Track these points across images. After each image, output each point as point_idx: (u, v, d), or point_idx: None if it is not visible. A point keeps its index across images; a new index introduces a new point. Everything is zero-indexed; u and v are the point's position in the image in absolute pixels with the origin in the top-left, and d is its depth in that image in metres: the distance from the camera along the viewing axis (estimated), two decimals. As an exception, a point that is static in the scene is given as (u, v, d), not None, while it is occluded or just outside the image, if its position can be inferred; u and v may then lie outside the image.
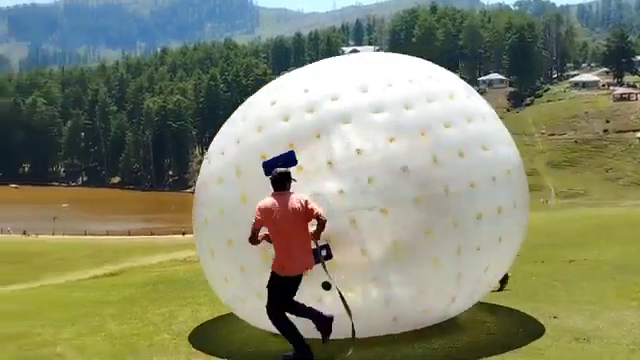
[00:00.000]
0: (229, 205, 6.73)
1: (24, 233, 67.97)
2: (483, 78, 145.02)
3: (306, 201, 5.92)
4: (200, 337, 7.52)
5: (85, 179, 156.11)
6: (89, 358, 6.75)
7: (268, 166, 6.19)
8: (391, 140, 6.38)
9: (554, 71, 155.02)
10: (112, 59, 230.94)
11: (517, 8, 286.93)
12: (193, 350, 6.87)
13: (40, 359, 6.76)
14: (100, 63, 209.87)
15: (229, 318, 7.92)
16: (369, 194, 6.24)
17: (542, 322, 7.31)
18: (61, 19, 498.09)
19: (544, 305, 8.28)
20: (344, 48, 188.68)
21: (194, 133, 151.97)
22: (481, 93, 9.06)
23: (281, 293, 5.96)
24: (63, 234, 66.90)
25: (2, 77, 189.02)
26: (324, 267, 5.94)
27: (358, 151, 6.33)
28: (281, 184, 6.00)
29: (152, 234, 65.38)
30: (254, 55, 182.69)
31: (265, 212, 5.86)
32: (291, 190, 6.02)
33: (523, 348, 6.31)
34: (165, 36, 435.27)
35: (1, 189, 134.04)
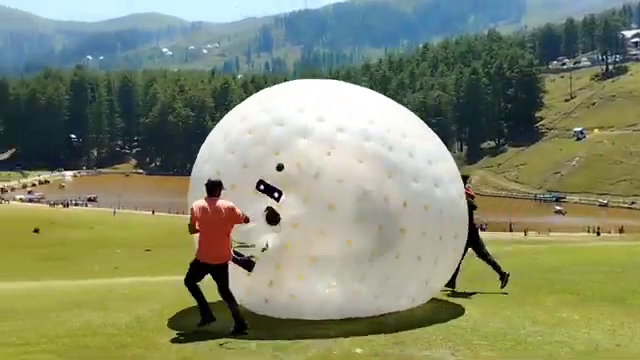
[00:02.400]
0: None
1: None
2: None
3: (232, 208, 7.42)
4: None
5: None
6: (361, 344, 7.03)
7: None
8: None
9: None
10: (376, 57, 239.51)
11: None
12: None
13: (317, 340, 7.22)
14: (364, 62, 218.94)
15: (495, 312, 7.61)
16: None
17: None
18: (330, 21, 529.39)
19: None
20: (625, 32, 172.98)
21: (453, 129, 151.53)
22: None
23: (193, 271, 7.54)
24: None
25: (279, 79, 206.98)
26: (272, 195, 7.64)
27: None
28: (213, 191, 7.49)
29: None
30: (519, 45, 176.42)
31: (197, 210, 7.39)
32: (221, 197, 7.52)
33: None
34: (428, 32, 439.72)
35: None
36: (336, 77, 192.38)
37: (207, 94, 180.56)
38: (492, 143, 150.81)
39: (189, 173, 8.91)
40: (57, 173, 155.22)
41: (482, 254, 10.53)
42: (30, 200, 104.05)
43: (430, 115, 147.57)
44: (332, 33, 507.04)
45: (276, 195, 7.60)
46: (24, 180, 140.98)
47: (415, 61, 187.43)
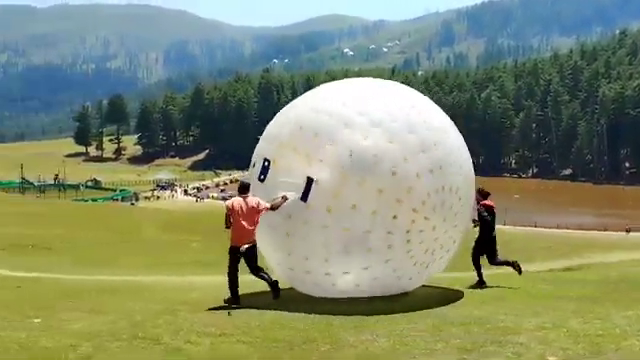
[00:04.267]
0: None
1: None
2: None
3: (258, 202, 9.30)
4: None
5: (535, 170, 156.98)
6: (554, 352, 6.64)
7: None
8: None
9: None
10: (565, 47, 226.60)
11: None
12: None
13: (506, 345, 6.94)
14: (553, 52, 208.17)
15: None
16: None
17: None
18: (516, 12, 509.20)
19: None
20: None
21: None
22: None
23: (231, 256, 9.47)
24: (514, 225, 68.24)
25: (461, 73, 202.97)
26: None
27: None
28: (244, 190, 9.50)
29: (605, 230, 62.32)
30: None
31: (231, 207, 9.38)
32: (251, 194, 9.47)
33: None
34: (625, 16, 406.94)
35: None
36: (522, 70, 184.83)
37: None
38: None
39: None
40: (246, 172, 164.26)
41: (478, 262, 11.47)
42: (223, 198, 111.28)
43: (629, 107, 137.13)
44: (517, 23, 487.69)
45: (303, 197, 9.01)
46: (217, 179, 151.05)
47: (611, 49, 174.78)
